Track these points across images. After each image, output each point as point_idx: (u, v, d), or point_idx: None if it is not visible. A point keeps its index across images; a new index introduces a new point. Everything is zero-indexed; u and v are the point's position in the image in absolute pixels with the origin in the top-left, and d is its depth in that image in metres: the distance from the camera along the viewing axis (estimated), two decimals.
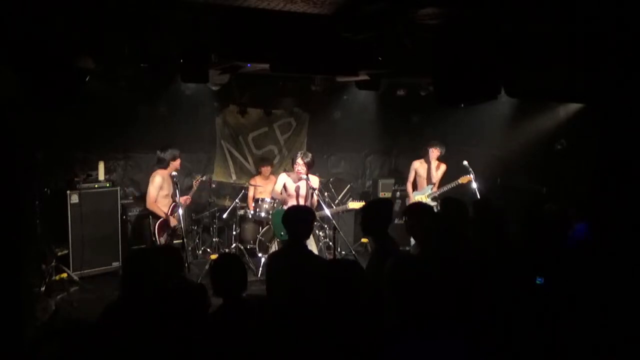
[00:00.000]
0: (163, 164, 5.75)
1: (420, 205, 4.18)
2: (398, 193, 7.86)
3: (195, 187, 6.42)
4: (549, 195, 6.05)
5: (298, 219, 3.63)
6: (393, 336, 2.23)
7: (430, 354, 2.20)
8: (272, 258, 3.91)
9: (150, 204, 5.68)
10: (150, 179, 5.74)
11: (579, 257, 3.59)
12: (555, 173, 6.13)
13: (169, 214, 5.76)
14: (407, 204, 6.86)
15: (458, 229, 3.64)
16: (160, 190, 5.68)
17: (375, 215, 3.56)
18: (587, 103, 5.39)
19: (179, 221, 5.80)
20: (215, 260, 3.05)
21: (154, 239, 5.64)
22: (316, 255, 4.04)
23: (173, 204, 5.78)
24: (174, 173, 5.79)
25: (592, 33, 3.73)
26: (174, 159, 5.76)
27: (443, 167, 6.97)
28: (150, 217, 5.73)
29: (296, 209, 4.02)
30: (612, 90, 4.19)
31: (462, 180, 6.51)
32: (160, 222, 5.69)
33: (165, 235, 5.72)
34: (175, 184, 5.68)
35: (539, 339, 3.00)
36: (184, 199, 5.97)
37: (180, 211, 5.76)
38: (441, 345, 2.22)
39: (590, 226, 3.94)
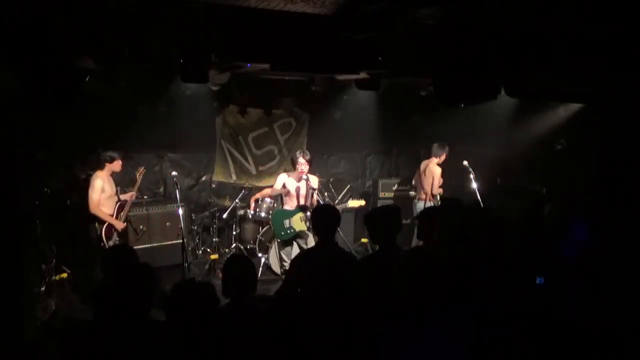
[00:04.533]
0: (101, 165, 5.53)
1: (432, 209, 4.17)
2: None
3: (139, 181, 5.99)
4: (549, 195, 6.05)
5: (327, 219, 3.65)
6: (393, 324, 2.26)
7: (428, 342, 2.23)
8: (301, 256, 3.89)
9: (94, 209, 5.35)
10: (91, 182, 5.45)
11: (579, 258, 3.59)
12: (555, 173, 6.13)
13: (114, 215, 5.54)
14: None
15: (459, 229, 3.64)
16: (102, 193, 5.42)
17: (383, 226, 3.49)
18: (587, 103, 5.39)
19: (182, 221, 5.74)
20: (228, 261, 3.06)
21: (102, 243, 5.37)
22: (346, 251, 4.02)
23: (118, 203, 5.62)
24: (174, 173, 5.77)
25: (592, 33, 3.73)
26: (111, 161, 5.48)
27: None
28: (97, 222, 5.41)
29: (324, 208, 4.00)
30: (612, 90, 4.19)
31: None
32: (107, 226, 5.44)
33: (114, 237, 5.47)
34: (175, 183, 5.64)
35: (538, 337, 3.00)
36: (129, 195, 5.79)
37: (180, 211, 5.74)
38: (439, 334, 2.25)
39: (589, 226, 3.94)
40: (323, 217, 3.71)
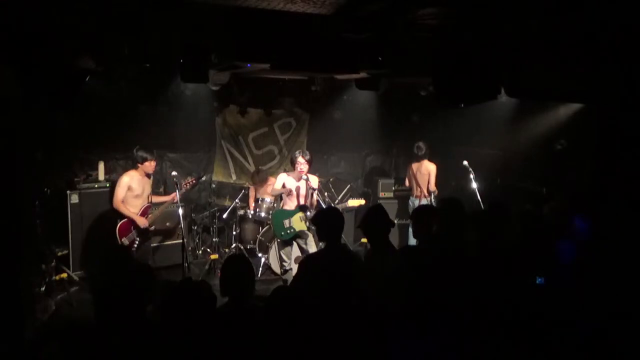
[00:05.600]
0: (135, 165, 5.55)
1: (427, 207, 4.18)
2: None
3: (184, 189, 5.82)
4: (549, 195, 6.05)
5: (330, 221, 3.68)
6: (395, 329, 2.27)
7: (427, 341, 2.24)
8: (308, 259, 3.92)
9: (116, 204, 5.40)
10: (119, 179, 5.52)
11: (579, 258, 3.59)
12: (555, 173, 6.13)
13: (139, 214, 5.49)
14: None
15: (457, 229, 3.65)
16: (128, 191, 5.43)
17: (372, 224, 3.60)
18: (587, 103, 5.39)
19: (179, 221, 5.72)
20: (226, 261, 3.07)
21: (117, 240, 5.36)
22: (353, 252, 4.04)
23: (146, 205, 5.57)
24: (174, 173, 5.74)
25: (592, 33, 3.73)
26: (142, 161, 5.46)
27: None
28: (118, 217, 5.43)
29: (325, 212, 4.01)
30: (612, 90, 4.19)
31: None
32: (123, 223, 5.41)
33: (129, 235, 5.43)
34: (175, 183, 5.61)
35: (538, 337, 3.00)
36: (169, 197, 5.77)
37: (180, 211, 5.73)
38: (439, 339, 2.26)
39: (589, 226, 3.94)
40: (326, 220, 3.73)
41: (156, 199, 5.83)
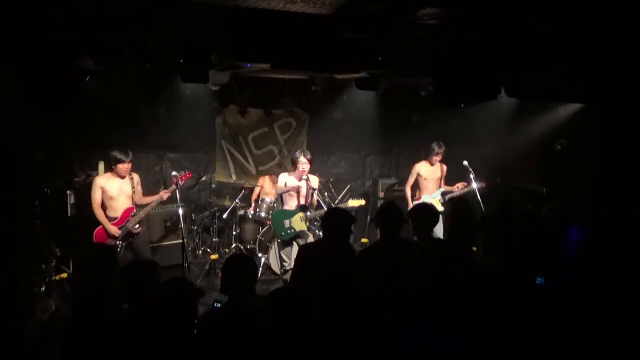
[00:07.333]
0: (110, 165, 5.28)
1: (425, 206, 4.18)
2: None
3: (173, 186, 5.53)
4: (549, 195, 6.05)
5: (338, 222, 3.74)
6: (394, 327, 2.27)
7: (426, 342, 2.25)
8: (304, 249, 3.99)
9: (93, 208, 5.21)
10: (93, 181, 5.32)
11: (578, 258, 3.60)
12: (555, 173, 6.14)
13: (120, 217, 5.29)
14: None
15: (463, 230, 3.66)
16: (103, 194, 5.21)
17: (386, 218, 3.71)
18: (587, 103, 5.39)
19: (182, 221, 5.67)
20: (228, 260, 3.07)
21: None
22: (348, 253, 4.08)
23: (128, 207, 5.36)
24: (174, 173, 5.67)
25: (592, 33, 3.73)
26: (115, 163, 5.16)
27: (444, 168, 6.73)
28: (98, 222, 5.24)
29: (339, 212, 4.06)
30: (612, 90, 4.19)
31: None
32: (99, 229, 5.25)
33: (109, 241, 5.21)
34: (175, 183, 5.56)
35: (536, 339, 3.00)
36: (156, 197, 5.54)
37: (180, 211, 5.71)
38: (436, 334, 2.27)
39: (583, 228, 3.93)
40: (332, 218, 3.78)
41: (147, 199, 5.59)
